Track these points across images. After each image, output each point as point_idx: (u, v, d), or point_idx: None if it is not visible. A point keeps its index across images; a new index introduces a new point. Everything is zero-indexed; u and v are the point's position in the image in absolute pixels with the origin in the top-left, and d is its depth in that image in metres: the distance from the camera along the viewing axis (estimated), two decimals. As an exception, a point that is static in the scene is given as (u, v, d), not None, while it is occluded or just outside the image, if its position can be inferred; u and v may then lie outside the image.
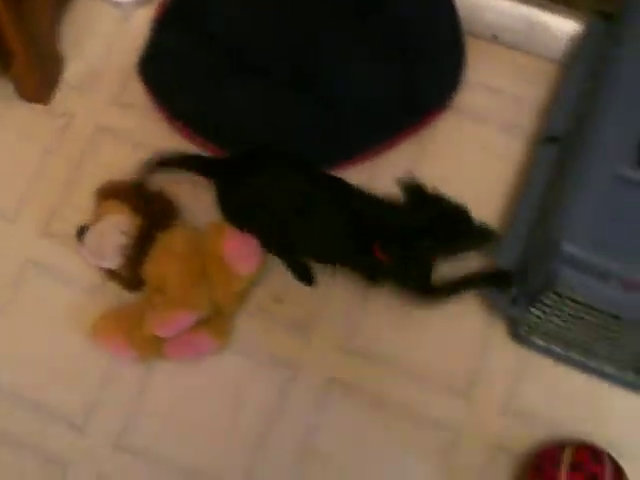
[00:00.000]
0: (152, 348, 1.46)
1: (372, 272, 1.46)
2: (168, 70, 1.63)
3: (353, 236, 1.40)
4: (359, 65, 1.57)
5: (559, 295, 1.32)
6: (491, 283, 1.47)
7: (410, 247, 1.36)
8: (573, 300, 1.32)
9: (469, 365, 1.49)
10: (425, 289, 1.45)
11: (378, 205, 1.41)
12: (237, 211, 1.50)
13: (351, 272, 1.48)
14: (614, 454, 1.37)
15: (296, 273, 1.53)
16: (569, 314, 1.36)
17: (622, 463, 1.35)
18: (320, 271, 1.53)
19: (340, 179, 1.47)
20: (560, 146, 1.50)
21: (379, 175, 1.59)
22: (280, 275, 1.53)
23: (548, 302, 1.35)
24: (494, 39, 1.69)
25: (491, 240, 1.40)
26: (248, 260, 1.47)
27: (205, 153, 1.60)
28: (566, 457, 1.33)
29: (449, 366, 1.49)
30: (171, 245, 1.46)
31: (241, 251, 1.46)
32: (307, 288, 1.52)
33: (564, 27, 1.64)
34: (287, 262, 1.53)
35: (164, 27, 1.65)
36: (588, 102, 1.44)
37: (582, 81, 1.53)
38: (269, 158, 1.49)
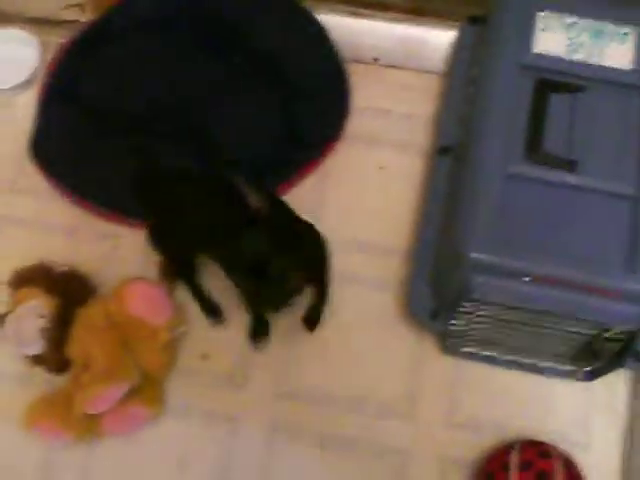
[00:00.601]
0: (88, 427, 1.43)
1: None
2: (56, 147, 1.64)
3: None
4: (236, 106, 1.59)
5: (476, 301, 1.33)
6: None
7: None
8: (490, 303, 1.33)
9: (406, 386, 1.49)
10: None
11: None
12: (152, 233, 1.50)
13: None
14: (566, 445, 1.38)
15: (204, 306, 1.52)
16: (490, 317, 1.37)
17: (576, 452, 1.37)
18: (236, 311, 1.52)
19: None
20: (453, 155, 1.52)
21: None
22: (202, 331, 1.52)
23: (467, 310, 1.36)
24: (376, 62, 1.71)
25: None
26: (158, 309, 1.45)
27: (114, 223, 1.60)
28: (514, 458, 1.33)
29: (386, 391, 1.49)
30: (90, 320, 1.44)
31: (147, 303, 1.44)
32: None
33: (440, 38, 1.67)
34: (194, 292, 1.52)
35: (47, 106, 1.66)
36: (471, 107, 1.46)
37: (463, 87, 1.55)
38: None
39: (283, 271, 1.29)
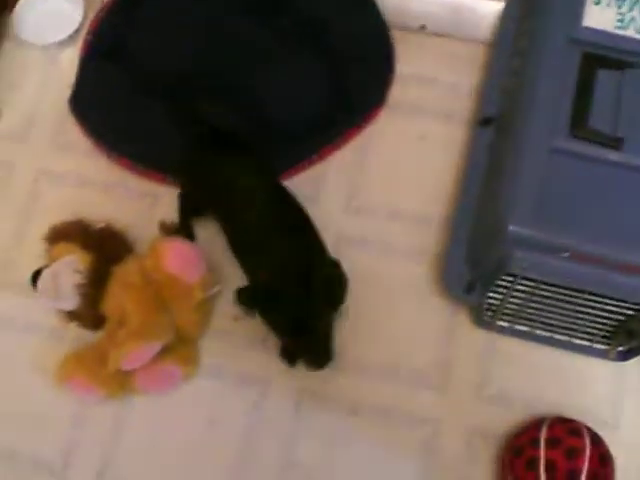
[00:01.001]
0: (120, 385, 1.45)
1: None
2: (97, 104, 1.65)
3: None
4: (283, 72, 1.59)
5: (513, 276, 1.33)
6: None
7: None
8: (528, 279, 1.32)
9: (438, 357, 1.49)
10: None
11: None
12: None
13: None
14: (594, 424, 1.37)
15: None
16: (527, 292, 1.36)
17: (603, 432, 1.36)
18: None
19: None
20: (496, 126, 1.51)
21: (326, 178, 1.61)
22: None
23: (504, 284, 1.35)
24: (422, 29, 1.69)
25: None
26: (192, 267, 1.45)
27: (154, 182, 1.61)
28: (543, 434, 1.32)
29: (419, 361, 1.49)
30: (126, 277, 1.45)
31: (183, 261, 1.44)
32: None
33: (489, 7, 1.64)
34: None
35: (88, 62, 1.67)
36: (517, 79, 1.45)
37: (509, 59, 1.53)
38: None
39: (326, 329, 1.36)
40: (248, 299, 1.36)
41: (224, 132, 1.45)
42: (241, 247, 1.45)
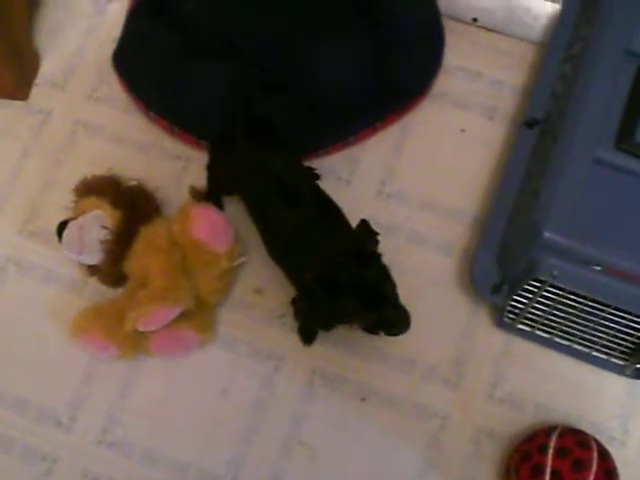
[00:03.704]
0: (134, 345, 1.45)
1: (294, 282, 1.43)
2: (140, 62, 1.63)
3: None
4: (332, 50, 1.58)
5: (542, 282, 1.32)
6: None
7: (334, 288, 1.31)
8: (556, 287, 1.32)
9: (455, 353, 1.49)
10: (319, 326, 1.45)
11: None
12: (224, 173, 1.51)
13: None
14: (603, 438, 1.37)
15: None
16: (552, 300, 1.35)
17: (611, 447, 1.36)
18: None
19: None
20: (540, 129, 1.49)
21: (361, 161, 1.60)
22: (260, 266, 1.52)
23: (531, 289, 1.35)
24: (474, 22, 1.68)
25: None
26: (220, 236, 1.45)
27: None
28: (553, 443, 1.32)
29: (435, 355, 1.49)
30: (153, 239, 1.44)
31: (211, 228, 1.44)
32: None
33: (543, 8, 1.63)
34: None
35: (137, 17, 1.65)
36: (567, 85, 1.43)
37: (562, 63, 1.52)
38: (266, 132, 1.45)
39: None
40: (307, 306, 1.37)
41: (263, 121, 1.44)
42: (282, 247, 1.42)
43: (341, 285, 1.28)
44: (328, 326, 1.40)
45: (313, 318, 1.43)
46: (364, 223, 1.32)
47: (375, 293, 1.29)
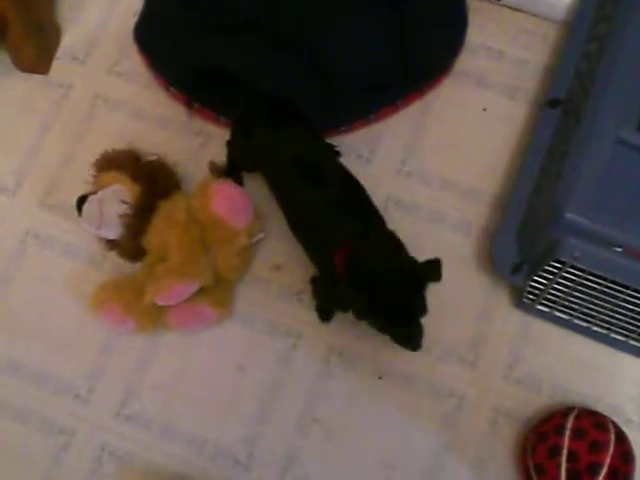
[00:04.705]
0: (152, 319, 1.45)
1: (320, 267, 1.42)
2: (161, 37, 1.63)
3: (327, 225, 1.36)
4: (354, 28, 1.57)
5: (562, 263, 1.31)
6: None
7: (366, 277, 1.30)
8: (576, 268, 1.31)
9: (473, 333, 1.48)
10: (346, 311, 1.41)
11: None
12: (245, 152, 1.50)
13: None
14: (620, 420, 1.37)
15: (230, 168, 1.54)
16: (573, 281, 1.34)
17: (628, 429, 1.36)
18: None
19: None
20: (563, 109, 1.48)
21: (382, 139, 1.59)
22: (278, 243, 1.52)
23: (551, 270, 1.34)
24: (497, 1, 1.66)
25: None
26: (239, 212, 1.44)
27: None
28: (570, 424, 1.32)
29: (453, 334, 1.49)
30: (172, 214, 1.45)
31: (231, 205, 1.43)
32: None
33: (568, -13, 1.61)
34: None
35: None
36: (591, 65, 1.42)
37: (586, 43, 1.50)
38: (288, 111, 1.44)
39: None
40: (328, 290, 1.37)
41: (284, 99, 1.43)
42: (305, 225, 1.41)
43: (381, 285, 1.27)
44: (346, 309, 1.40)
45: (332, 301, 1.43)
46: (438, 263, 1.31)
47: (407, 309, 1.30)
